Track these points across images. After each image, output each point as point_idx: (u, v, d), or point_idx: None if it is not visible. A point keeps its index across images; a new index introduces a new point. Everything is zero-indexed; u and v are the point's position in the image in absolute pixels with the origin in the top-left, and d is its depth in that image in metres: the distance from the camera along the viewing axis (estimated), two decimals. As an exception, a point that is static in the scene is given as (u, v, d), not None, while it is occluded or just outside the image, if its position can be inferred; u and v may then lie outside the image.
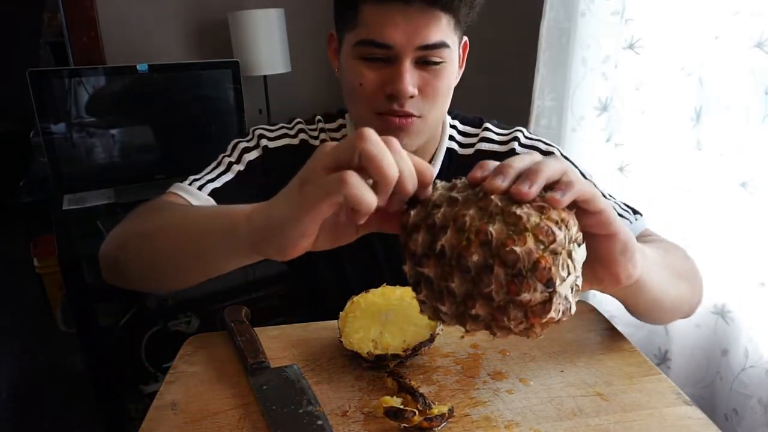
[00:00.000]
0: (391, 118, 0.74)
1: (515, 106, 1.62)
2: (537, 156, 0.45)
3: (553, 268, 0.39)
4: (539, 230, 0.39)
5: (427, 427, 0.51)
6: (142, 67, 1.72)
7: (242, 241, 0.49)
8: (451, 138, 0.88)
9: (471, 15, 0.75)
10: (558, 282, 0.40)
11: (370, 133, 0.41)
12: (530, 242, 0.39)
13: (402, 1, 0.69)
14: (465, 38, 0.80)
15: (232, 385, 0.61)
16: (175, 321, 1.88)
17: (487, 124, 0.89)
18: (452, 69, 0.76)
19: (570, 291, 0.42)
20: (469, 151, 0.87)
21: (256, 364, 0.62)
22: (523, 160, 0.43)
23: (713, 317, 1.18)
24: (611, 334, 0.70)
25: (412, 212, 0.44)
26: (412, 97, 0.72)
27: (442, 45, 0.71)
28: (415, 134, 0.77)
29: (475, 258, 0.40)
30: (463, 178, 0.45)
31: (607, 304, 1.44)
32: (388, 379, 0.59)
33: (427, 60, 0.72)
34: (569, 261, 0.41)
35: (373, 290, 0.70)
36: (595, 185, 0.84)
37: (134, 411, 1.70)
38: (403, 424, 0.52)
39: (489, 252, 0.40)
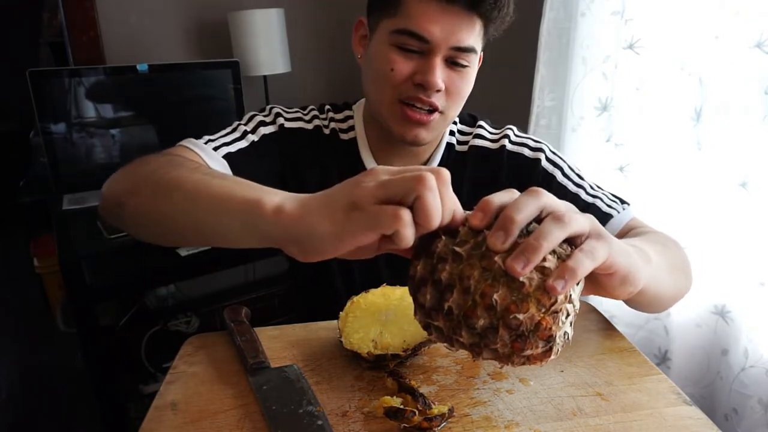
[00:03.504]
0: (412, 113, 0.77)
1: (515, 106, 1.62)
2: (543, 200, 0.44)
3: (554, 327, 0.42)
4: (542, 294, 0.42)
5: (427, 427, 0.51)
6: (142, 67, 1.72)
7: (264, 233, 0.49)
8: (451, 133, 0.92)
9: (498, 30, 0.78)
10: (558, 333, 0.43)
11: (432, 181, 0.42)
12: (532, 308, 0.42)
13: (446, 0, 0.71)
14: (481, 52, 0.82)
15: (232, 385, 0.61)
16: (175, 321, 1.88)
17: (481, 122, 0.93)
18: (473, 74, 0.80)
19: (569, 326, 0.44)
20: (464, 147, 0.91)
21: (256, 364, 0.62)
22: (525, 209, 0.43)
23: (713, 317, 1.18)
24: (611, 334, 0.70)
25: (419, 265, 0.46)
26: (438, 90, 0.76)
27: (472, 50, 0.75)
28: (433, 129, 0.80)
29: (481, 322, 0.43)
30: (466, 226, 0.45)
31: (607, 303, 1.44)
32: (388, 379, 0.59)
33: (455, 61, 0.76)
34: (568, 307, 0.43)
35: (373, 290, 0.70)
36: (582, 178, 0.87)
37: (134, 411, 1.70)
38: (403, 424, 0.52)
39: (494, 316, 0.42)
